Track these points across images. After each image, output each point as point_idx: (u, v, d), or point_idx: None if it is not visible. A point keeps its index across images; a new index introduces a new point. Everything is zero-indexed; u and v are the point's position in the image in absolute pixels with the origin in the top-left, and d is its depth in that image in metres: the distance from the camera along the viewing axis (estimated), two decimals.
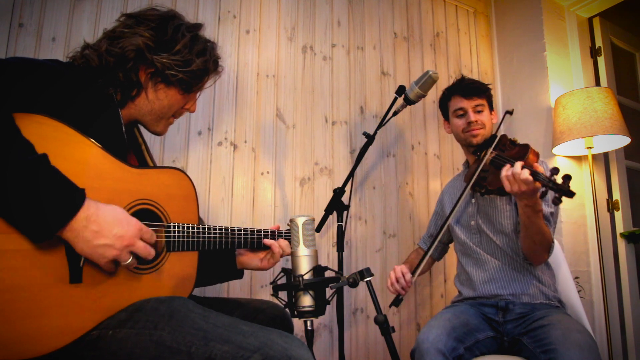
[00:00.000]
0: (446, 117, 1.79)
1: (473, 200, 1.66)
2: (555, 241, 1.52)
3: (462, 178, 1.76)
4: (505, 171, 1.31)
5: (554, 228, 1.52)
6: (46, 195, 0.75)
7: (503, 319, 1.48)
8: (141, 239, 0.87)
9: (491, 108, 1.72)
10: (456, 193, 1.78)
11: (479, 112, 1.66)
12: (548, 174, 1.22)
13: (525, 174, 1.24)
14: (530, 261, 1.52)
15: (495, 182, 1.40)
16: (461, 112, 1.69)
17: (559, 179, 1.20)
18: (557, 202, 1.19)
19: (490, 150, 1.50)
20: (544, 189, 1.21)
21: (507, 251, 1.56)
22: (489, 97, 1.70)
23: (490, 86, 1.75)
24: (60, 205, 0.76)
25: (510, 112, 1.63)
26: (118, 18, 1.06)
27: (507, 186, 1.31)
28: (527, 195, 1.29)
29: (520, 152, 1.43)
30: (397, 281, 1.55)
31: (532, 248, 1.45)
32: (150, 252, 0.88)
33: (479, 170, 1.48)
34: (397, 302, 1.50)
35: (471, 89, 1.68)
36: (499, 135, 1.55)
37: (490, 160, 1.49)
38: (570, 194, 1.17)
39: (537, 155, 1.41)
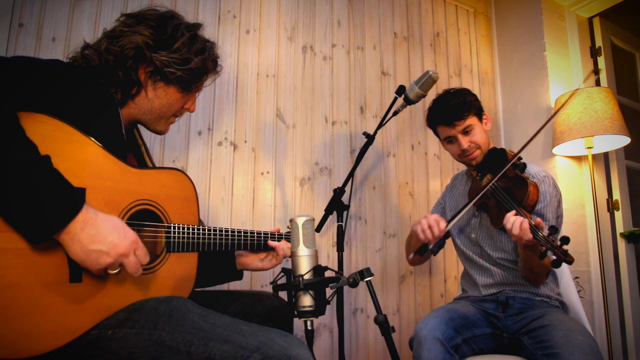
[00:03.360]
0: (437, 135, 1.72)
1: (476, 213, 1.64)
2: None
3: (467, 185, 1.74)
4: (509, 227, 1.30)
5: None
6: (45, 196, 0.75)
7: (503, 315, 1.48)
8: (135, 253, 0.85)
9: (481, 115, 1.62)
10: (460, 199, 1.76)
11: (468, 132, 1.57)
12: (546, 232, 1.21)
13: (527, 233, 1.24)
14: (529, 282, 1.53)
15: (498, 222, 1.41)
16: (451, 139, 1.61)
17: (557, 241, 1.20)
18: (556, 265, 1.20)
19: (494, 181, 1.45)
20: (543, 248, 1.21)
21: (506, 265, 1.56)
22: (475, 108, 1.59)
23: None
24: (59, 207, 0.76)
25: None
26: (118, 18, 1.07)
27: (510, 234, 1.31)
28: (527, 245, 1.31)
29: (520, 186, 1.41)
30: (430, 228, 1.43)
31: (531, 276, 1.48)
32: (138, 270, 0.85)
33: (481, 192, 1.45)
34: (423, 250, 1.39)
35: (451, 114, 1.56)
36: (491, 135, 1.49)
37: (492, 192, 1.47)
38: (569, 262, 1.18)
39: (537, 188, 1.41)
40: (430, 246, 1.41)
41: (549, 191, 1.50)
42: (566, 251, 1.18)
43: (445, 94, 1.64)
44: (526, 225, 1.26)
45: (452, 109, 1.56)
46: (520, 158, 1.47)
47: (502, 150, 1.53)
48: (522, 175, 1.45)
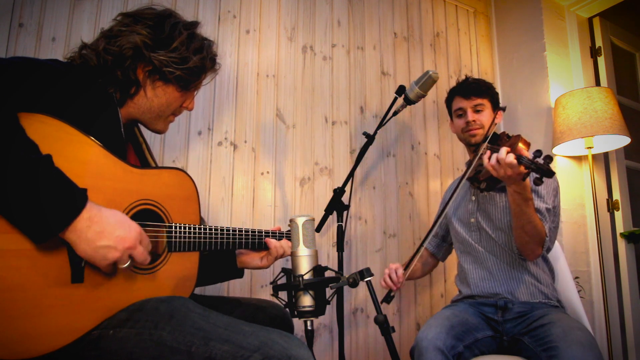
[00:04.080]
0: (451, 116, 1.81)
1: (473, 198, 1.67)
2: (556, 242, 1.52)
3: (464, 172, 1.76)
4: (489, 158, 1.32)
5: (555, 227, 1.51)
6: (47, 195, 0.75)
7: (502, 318, 1.48)
8: (140, 243, 0.87)
9: (495, 106, 1.71)
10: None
11: (479, 111, 1.67)
12: (531, 155, 1.22)
13: (510, 157, 1.25)
14: (524, 255, 1.50)
15: (487, 172, 1.41)
16: (461, 112, 1.72)
17: (540, 160, 1.20)
18: (538, 182, 1.19)
19: (486, 143, 1.48)
20: (526, 171, 1.22)
21: (505, 248, 1.56)
22: (492, 96, 1.70)
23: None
24: (62, 206, 0.76)
25: (502, 109, 1.64)
26: (115, 17, 1.06)
27: (494, 172, 1.32)
28: (513, 180, 1.30)
29: (512, 142, 1.43)
30: (389, 276, 1.55)
31: (524, 239, 1.43)
32: (146, 258, 0.88)
33: (475, 162, 1.48)
34: (387, 298, 1.50)
35: (471, 89, 1.69)
36: (498, 132, 1.54)
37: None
38: (550, 174, 1.17)
39: (527, 144, 1.41)
40: (393, 293, 1.51)
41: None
42: (547, 163, 1.18)
43: (472, 77, 1.79)
44: (508, 151, 1.27)
45: (473, 84, 1.71)
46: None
47: (502, 133, 1.57)
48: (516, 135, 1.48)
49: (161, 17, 1.06)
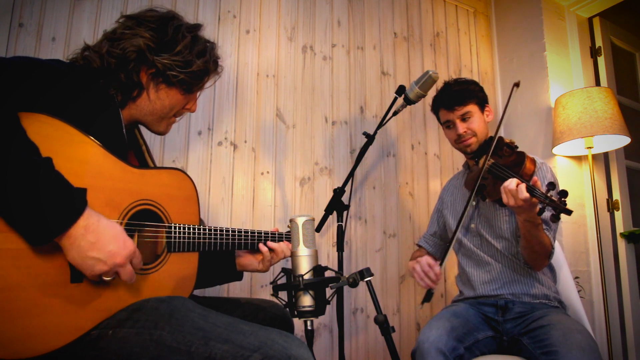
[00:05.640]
0: (440, 122, 1.76)
1: (474, 202, 1.65)
2: (556, 242, 1.52)
3: (463, 178, 1.75)
4: (504, 187, 1.30)
5: (555, 232, 1.50)
6: (46, 199, 0.75)
7: (502, 318, 1.48)
8: (131, 262, 0.86)
9: (483, 106, 1.65)
10: (457, 193, 1.77)
11: (467, 119, 1.61)
12: (545, 189, 1.21)
13: (523, 192, 1.23)
14: (531, 268, 1.52)
15: (494, 194, 1.40)
16: (449, 124, 1.66)
17: (555, 196, 1.19)
18: (554, 219, 1.18)
19: (488, 158, 1.47)
20: (541, 205, 1.20)
21: (507, 254, 1.56)
22: (477, 97, 1.63)
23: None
24: (60, 211, 0.76)
25: (517, 85, 1.49)
26: (117, 19, 1.06)
27: (505, 200, 1.30)
28: (524, 210, 1.28)
29: (517, 161, 1.41)
30: (427, 275, 1.45)
31: (533, 257, 1.45)
32: (132, 278, 0.86)
33: (479, 179, 1.46)
34: (429, 297, 1.41)
35: (453, 99, 1.61)
36: (495, 138, 1.50)
37: (489, 169, 1.47)
38: (568, 212, 1.16)
39: (533, 163, 1.40)
40: (434, 290, 1.41)
41: (547, 177, 1.53)
42: (564, 202, 1.16)
43: (452, 81, 1.69)
44: (519, 183, 1.24)
45: (454, 94, 1.62)
46: (516, 146, 1.50)
47: (499, 137, 1.54)
48: (518, 150, 1.46)
49: (164, 19, 1.06)
